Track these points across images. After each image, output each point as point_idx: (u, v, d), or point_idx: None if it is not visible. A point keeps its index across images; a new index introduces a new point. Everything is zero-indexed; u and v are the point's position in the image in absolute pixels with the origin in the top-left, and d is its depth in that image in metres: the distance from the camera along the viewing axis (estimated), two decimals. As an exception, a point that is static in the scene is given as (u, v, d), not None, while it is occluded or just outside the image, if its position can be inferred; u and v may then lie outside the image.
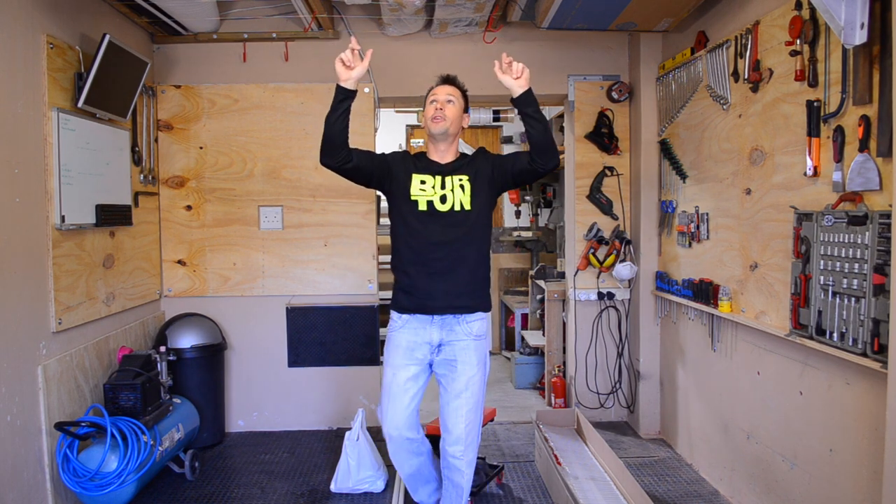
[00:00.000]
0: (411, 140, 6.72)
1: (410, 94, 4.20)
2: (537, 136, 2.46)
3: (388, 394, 2.63)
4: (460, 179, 2.61)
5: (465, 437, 2.58)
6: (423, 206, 2.57)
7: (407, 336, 2.59)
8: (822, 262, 2.34)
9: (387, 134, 6.18)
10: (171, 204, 4.09)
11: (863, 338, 2.14)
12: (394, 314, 2.63)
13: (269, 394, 4.20)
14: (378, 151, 2.76)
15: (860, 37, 2.05)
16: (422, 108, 5.32)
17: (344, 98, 2.42)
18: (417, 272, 2.57)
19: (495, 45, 4.16)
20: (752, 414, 2.95)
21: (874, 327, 2.09)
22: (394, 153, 2.73)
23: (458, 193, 2.59)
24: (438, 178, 2.61)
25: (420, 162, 2.68)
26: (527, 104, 2.42)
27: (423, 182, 2.60)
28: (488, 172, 2.64)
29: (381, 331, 5.09)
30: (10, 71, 2.61)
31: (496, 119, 5.49)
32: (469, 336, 2.59)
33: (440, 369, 2.64)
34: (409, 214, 2.59)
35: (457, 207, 2.58)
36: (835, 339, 2.28)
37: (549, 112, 5.59)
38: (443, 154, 2.68)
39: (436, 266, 2.56)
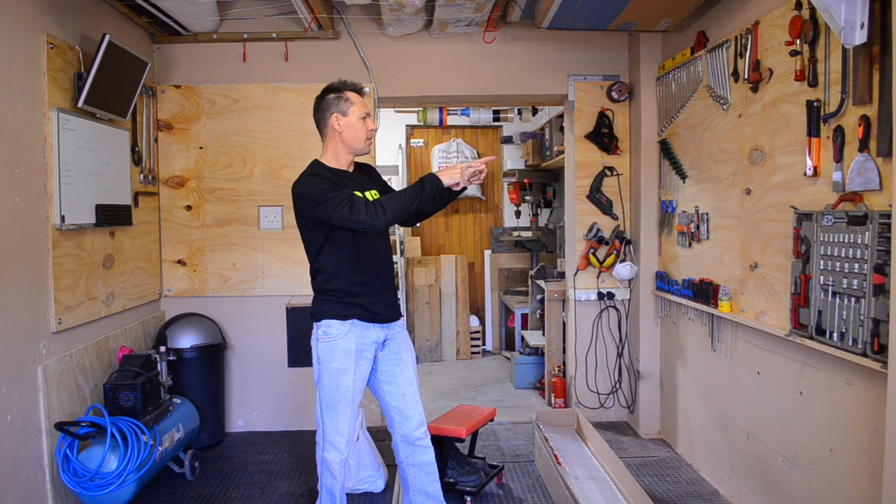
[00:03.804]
0: (411, 140, 6.72)
1: (411, 94, 4.20)
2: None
3: (348, 399, 2.54)
4: (372, 194, 2.60)
5: (423, 417, 2.70)
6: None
7: (355, 340, 2.54)
8: (822, 262, 2.34)
9: (387, 134, 6.20)
10: (171, 204, 4.09)
11: (863, 338, 2.14)
12: (333, 323, 2.53)
13: (269, 394, 4.20)
14: (322, 182, 2.49)
15: (860, 37, 2.05)
16: (421, 109, 5.36)
17: (440, 192, 2.49)
18: (370, 291, 2.57)
19: (495, 45, 4.16)
20: (752, 414, 2.95)
21: (874, 327, 2.09)
22: (325, 175, 2.52)
23: None
24: (366, 193, 2.57)
25: (342, 176, 2.56)
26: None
27: None
28: (383, 192, 2.68)
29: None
30: (9, 71, 2.61)
31: (496, 119, 5.50)
32: (403, 327, 2.72)
33: (386, 365, 2.65)
34: (352, 238, 2.53)
35: None
36: (835, 339, 2.28)
37: (549, 112, 5.60)
38: (350, 164, 2.64)
39: (378, 283, 2.60)
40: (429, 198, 2.47)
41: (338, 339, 2.53)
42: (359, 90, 2.59)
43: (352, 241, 2.54)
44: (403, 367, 2.66)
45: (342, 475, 2.60)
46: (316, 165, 2.59)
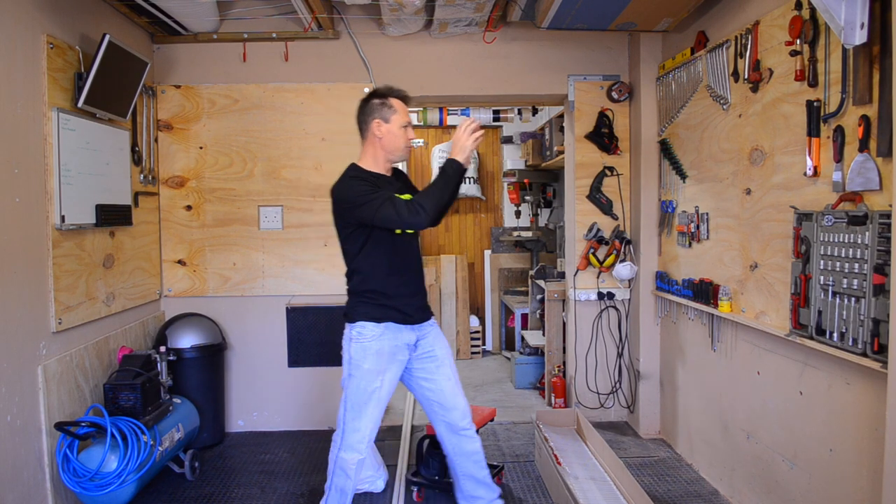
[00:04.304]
0: (411, 140, 6.72)
1: (410, 94, 4.18)
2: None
3: (375, 400, 2.58)
4: (407, 199, 2.61)
5: (467, 408, 2.76)
6: (399, 231, 2.59)
7: (388, 342, 2.58)
8: (822, 262, 2.34)
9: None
10: (171, 204, 4.09)
11: (863, 338, 2.14)
12: (367, 325, 2.58)
13: (269, 394, 4.20)
14: (363, 184, 2.55)
15: (860, 37, 2.05)
16: (421, 109, 5.36)
17: (460, 172, 2.53)
18: (404, 293, 2.63)
19: (495, 45, 4.16)
20: (752, 414, 2.95)
21: (874, 327, 2.09)
22: (365, 177, 2.58)
23: None
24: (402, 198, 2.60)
25: (381, 180, 2.61)
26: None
27: None
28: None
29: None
30: (9, 71, 2.61)
31: (496, 119, 5.49)
32: (434, 325, 2.77)
33: (421, 363, 2.70)
34: (392, 240, 2.59)
35: (411, 231, 2.66)
36: (835, 339, 2.28)
37: (549, 112, 5.59)
38: (388, 170, 2.69)
39: (412, 286, 2.67)
40: (457, 183, 2.52)
41: (371, 340, 2.57)
42: (403, 97, 2.65)
43: (390, 243, 2.59)
44: (439, 364, 2.71)
45: (356, 476, 2.63)
46: (355, 168, 2.63)
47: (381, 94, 2.62)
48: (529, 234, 6.32)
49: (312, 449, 3.89)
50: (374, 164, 2.63)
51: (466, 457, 2.76)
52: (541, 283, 4.88)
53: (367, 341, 2.57)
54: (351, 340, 2.61)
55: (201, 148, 4.10)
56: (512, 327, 6.08)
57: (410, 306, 2.63)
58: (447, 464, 2.87)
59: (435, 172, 6.39)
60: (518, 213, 6.57)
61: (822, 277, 2.34)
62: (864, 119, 2.15)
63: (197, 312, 3.98)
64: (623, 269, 4.02)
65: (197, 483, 3.41)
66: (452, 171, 2.49)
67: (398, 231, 2.57)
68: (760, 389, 2.87)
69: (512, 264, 6.63)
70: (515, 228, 6.61)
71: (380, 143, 2.60)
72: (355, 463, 2.59)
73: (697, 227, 3.43)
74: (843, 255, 2.23)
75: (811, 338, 2.41)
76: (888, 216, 2.04)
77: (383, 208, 2.42)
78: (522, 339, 5.56)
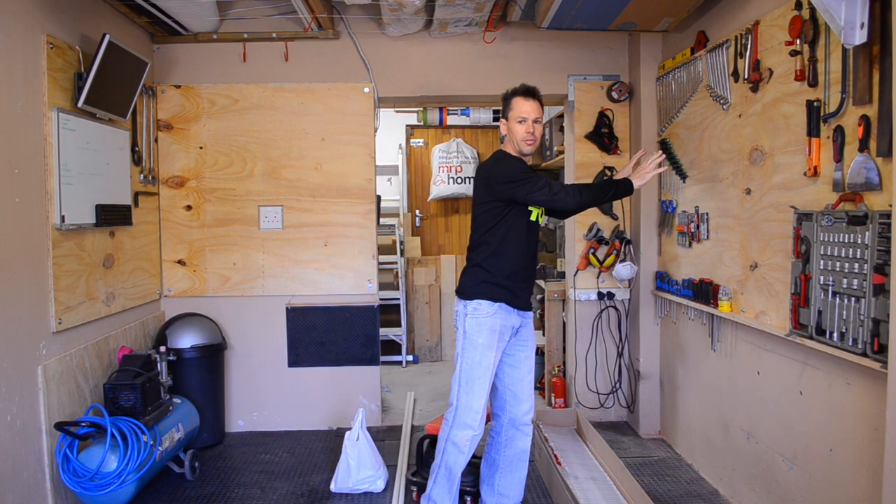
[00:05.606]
0: (411, 140, 6.72)
1: (410, 94, 4.20)
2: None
3: (487, 376, 2.70)
4: None
5: (533, 405, 2.89)
6: (533, 217, 2.78)
7: (500, 321, 2.72)
8: (822, 261, 2.35)
9: (386, 134, 6.19)
10: (171, 204, 4.09)
11: (863, 338, 2.14)
12: (483, 302, 2.71)
13: (269, 394, 4.20)
14: (524, 164, 2.79)
15: (860, 37, 2.05)
16: (421, 109, 5.36)
17: (626, 193, 2.75)
18: (519, 277, 2.77)
19: (495, 45, 4.16)
20: (752, 414, 2.95)
21: (874, 327, 2.09)
22: (521, 161, 2.79)
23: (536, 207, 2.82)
24: None
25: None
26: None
27: None
28: None
29: (382, 330, 5.11)
30: (10, 71, 2.61)
31: (496, 119, 5.50)
32: (532, 318, 2.91)
33: (513, 350, 2.83)
34: (525, 224, 2.76)
35: (541, 221, 2.84)
36: (835, 338, 2.28)
37: (549, 112, 5.59)
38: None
39: (527, 272, 2.81)
40: (617, 197, 2.76)
41: (486, 316, 2.70)
42: (521, 92, 2.77)
43: (524, 227, 2.74)
44: (527, 355, 2.86)
45: (470, 452, 2.73)
46: (507, 153, 2.80)
47: (505, 95, 2.82)
48: (529, 234, 6.29)
49: (312, 449, 3.90)
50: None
51: (515, 452, 2.84)
52: (541, 282, 4.88)
53: (483, 317, 2.70)
54: (466, 316, 2.73)
55: (201, 148, 4.10)
56: (512, 327, 6.07)
57: (523, 291, 2.78)
58: (488, 457, 2.92)
59: (435, 172, 6.39)
60: (518, 213, 6.53)
61: (822, 277, 2.34)
62: (864, 119, 2.15)
63: (197, 312, 3.98)
64: (623, 269, 4.02)
65: (197, 483, 3.41)
66: (622, 188, 2.71)
67: (533, 218, 2.76)
68: (760, 389, 2.87)
69: (512, 264, 6.61)
70: (515, 228, 6.58)
71: (508, 139, 2.82)
72: (469, 439, 2.70)
73: (697, 227, 3.43)
74: (842, 255, 2.23)
75: (811, 338, 2.41)
76: (888, 216, 2.04)
77: (540, 186, 2.61)
78: (522, 339, 5.55)
